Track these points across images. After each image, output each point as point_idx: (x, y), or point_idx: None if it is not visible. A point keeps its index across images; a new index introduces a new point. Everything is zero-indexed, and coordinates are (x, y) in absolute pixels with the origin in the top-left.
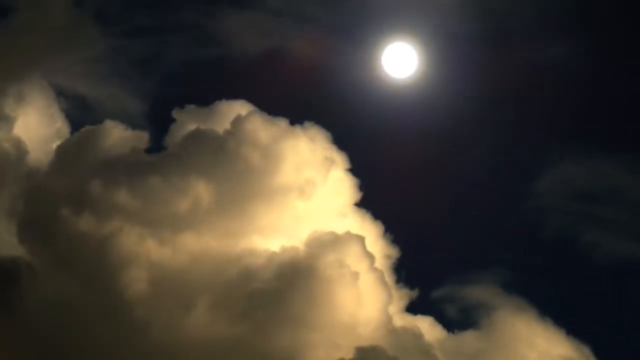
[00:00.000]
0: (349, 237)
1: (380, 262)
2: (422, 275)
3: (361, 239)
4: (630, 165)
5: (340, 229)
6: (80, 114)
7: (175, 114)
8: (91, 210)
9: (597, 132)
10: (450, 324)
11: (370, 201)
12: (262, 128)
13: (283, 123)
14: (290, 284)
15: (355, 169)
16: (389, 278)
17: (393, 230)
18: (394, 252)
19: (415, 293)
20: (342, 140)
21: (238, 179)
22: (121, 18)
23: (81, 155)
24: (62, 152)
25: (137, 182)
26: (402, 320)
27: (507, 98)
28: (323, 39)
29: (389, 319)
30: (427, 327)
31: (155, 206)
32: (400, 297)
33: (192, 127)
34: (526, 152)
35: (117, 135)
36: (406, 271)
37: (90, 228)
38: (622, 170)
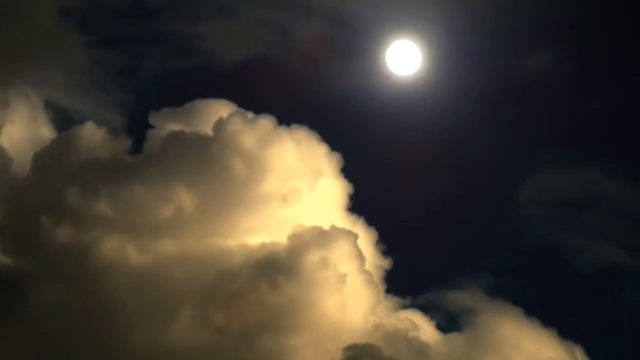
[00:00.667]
0: (338, 233)
1: (371, 266)
2: (411, 282)
3: (351, 236)
4: (614, 172)
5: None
6: (64, 124)
7: (152, 117)
8: (71, 218)
9: (580, 140)
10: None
11: (364, 206)
12: (247, 130)
13: (270, 124)
14: (271, 284)
15: (349, 172)
16: (378, 279)
17: (385, 235)
18: (386, 263)
19: (407, 301)
20: (338, 142)
21: (221, 183)
22: (103, 28)
23: (60, 161)
24: (41, 159)
25: (117, 188)
26: (391, 320)
27: (496, 101)
28: (312, 44)
29: (378, 320)
30: (417, 327)
31: (136, 212)
32: (390, 305)
33: (171, 129)
34: (511, 158)
35: (96, 139)
36: (396, 279)
37: (69, 236)
38: (606, 177)
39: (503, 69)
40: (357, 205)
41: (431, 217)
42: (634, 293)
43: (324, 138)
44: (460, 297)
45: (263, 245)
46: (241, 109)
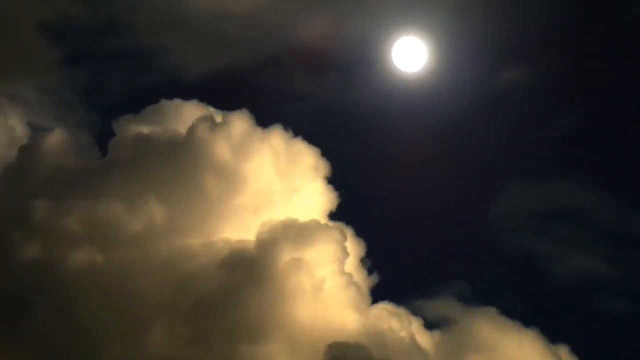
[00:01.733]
0: (318, 228)
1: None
2: (389, 292)
3: (334, 233)
4: (588, 185)
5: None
6: None
7: (116, 125)
8: (40, 231)
9: (558, 154)
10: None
11: (349, 214)
12: (221, 134)
13: (248, 126)
14: (242, 286)
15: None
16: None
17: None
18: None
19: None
20: (329, 147)
21: (195, 191)
22: (74, 44)
23: (28, 170)
24: (9, 170)
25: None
26: (376, 319)
27: (475, 109)
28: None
29: (362, 319)
30: (405, 326)
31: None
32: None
33: (136, 132)
34: (487, 169)
35: (64, 145)
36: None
37: (38, 250)
38: (581, 190)
39: (485, 78)
40: (344, 215)
41: (407, 226)
42: (609, 303)
43: (315, 144)
44: (438, 306)
45: (237, 248)
46: (214, 110)
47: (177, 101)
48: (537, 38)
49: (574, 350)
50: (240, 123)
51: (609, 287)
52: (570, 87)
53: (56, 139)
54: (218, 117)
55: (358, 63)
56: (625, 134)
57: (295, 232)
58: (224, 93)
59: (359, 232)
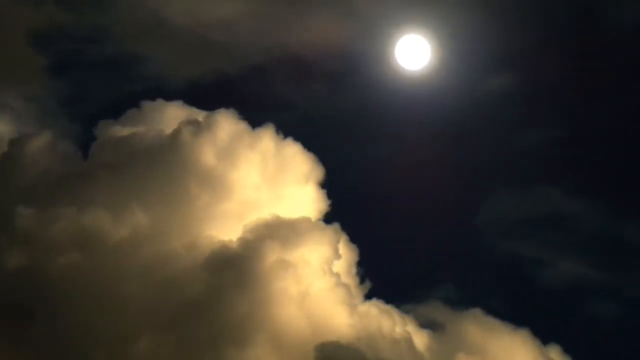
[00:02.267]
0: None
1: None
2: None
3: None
4: (575, 191)
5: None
6: None
7: (97, 128)
8: (23, 240)
9: (542, 160)
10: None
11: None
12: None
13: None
14: (228, 288)
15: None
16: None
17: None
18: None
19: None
20: (323, 152)
21: (181, 194)
22: (59, 53)
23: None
24: None
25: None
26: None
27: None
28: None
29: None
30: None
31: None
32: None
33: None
34: (473, 174)
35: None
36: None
37: (23, 259)
38: (567, 196)
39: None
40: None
41: (394, 230)
42: (598, 307)
43: (310, 146)
44: (425, 310)
45: (221, 248)
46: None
47: (160, 101)
48: (536, 40)
49: (566, 351)
50: (227, 123)
51: (598, 292)
52: (564, 93)
53: (38, 145)
54: (202, 117)
55: (359, 62)
56: (613, 140)
57: (284, 232)
58: (209, 99)
59: (353, 238)
